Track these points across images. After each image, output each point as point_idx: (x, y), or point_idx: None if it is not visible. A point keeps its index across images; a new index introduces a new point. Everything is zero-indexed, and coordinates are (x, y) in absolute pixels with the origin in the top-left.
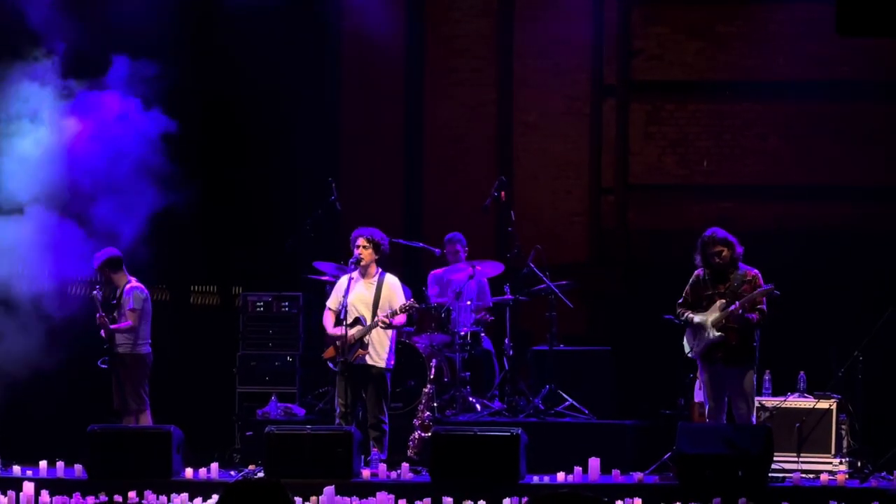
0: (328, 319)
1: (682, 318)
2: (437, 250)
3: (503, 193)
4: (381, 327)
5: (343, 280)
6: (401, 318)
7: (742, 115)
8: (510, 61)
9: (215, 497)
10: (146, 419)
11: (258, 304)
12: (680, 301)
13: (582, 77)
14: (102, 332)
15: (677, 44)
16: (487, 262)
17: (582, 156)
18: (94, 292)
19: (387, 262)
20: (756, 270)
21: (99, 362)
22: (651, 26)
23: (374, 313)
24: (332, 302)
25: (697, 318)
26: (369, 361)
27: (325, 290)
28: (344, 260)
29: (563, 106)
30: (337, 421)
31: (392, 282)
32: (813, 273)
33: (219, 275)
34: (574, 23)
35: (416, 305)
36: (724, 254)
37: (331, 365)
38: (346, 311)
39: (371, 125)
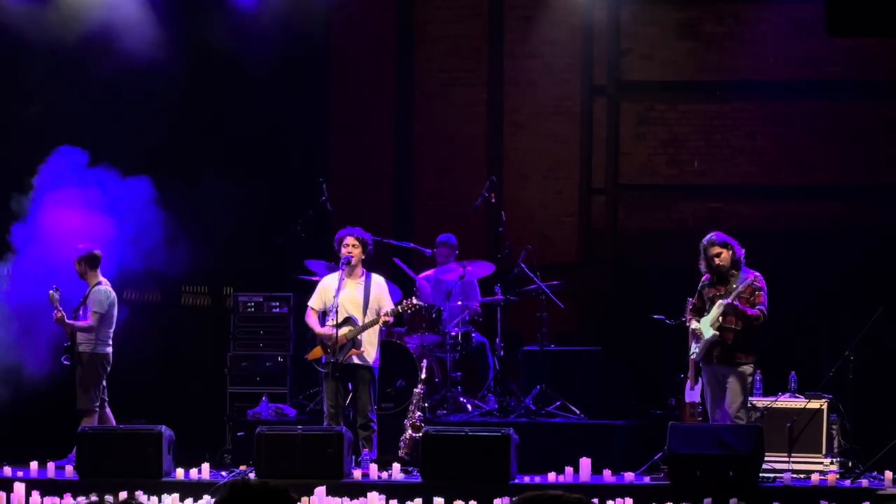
0: (313, 320)
1: (686, 324)
2: (427, 250)
3: (493, 194)
4: (383, 326)
5: (331, 280)
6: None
7: (732, 115)
8: (501, 61)
9: (206, 498)
10: (107, 417)
11: (249, 304)
12: (689, 307)
13: (572, 77)
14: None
15: (667, 44)
16: (478, 263)
17: (572, 156)
18: (52, 291)
19: (374, 263)
20: (756, 273)
21: (63, 359)
22: (641, 26)
23: (365, 313)
24: (316, 302)
25: (696, 324)
26: (360, 361)
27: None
28: (335, 260)
29: (554, 106)
30: (325, 422)
31: (380, 281)
32: (803, 272)
33: (210, 275)
34: (564, 23)
35: (420, 304)
36: (723, 255)
37: (316, 366)
38: (336, 312)
39: (361, 125)
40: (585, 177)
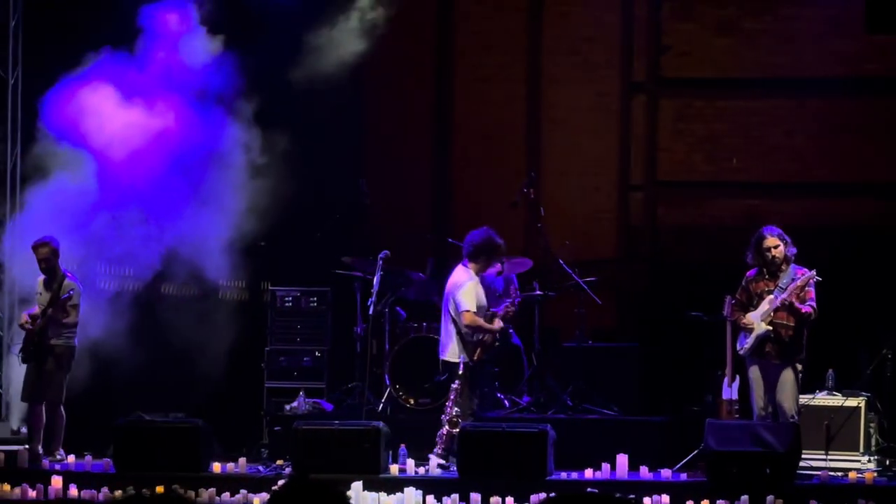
0: (479, 319)
1: (733, 321)
2: None
3: (532, 190)
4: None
5: (477, 282)
6: None
7: (770, 111)
8: (539, 57)
9: (243, 492)
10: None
11: (286, 298)
12: (733, 303)
13: (611, 73)
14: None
15: (706, 40)
16: (516, 259)
17: (611, 152)
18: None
19: (412, 259)
20: (807, 270)
21: (18, 353)
22: (680, 23)
23: None
24: (474, 304)
25: (746, 319)
26: None
27: (353, 285)
28: (373, 255)
29: (592, 102)
30: (468, 420)
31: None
32: (841, 270)
33: (247, 269)
34: (603, 19)
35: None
36: (779, 249)
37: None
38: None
39: (399, 120)
40: (623, 173)
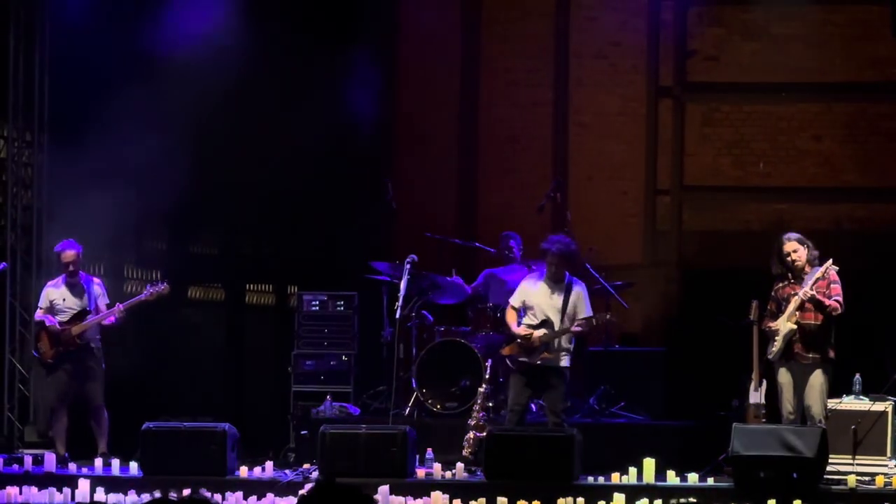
0: (512, 317)
1: (765, 330)
2: (492, 250)
3: (558, 194)
4: (573, 334)
5: (532, 281)
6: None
7: (798, 116)
8: (566, 62)
9: (270, 496)
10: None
11: (313, 303)
12: (765, 313)
13: (638, 78)
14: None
15: (733, 45)
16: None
17: (637, 157)
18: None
19: (436, 263)
20: (827, 262)
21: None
22: (707, 27)
23: (562, 319)
24: (517, 300)
25: (774, 323)
26: (552, 363)
27: (380, 289)
28: (400, 259)
29: (619, 107)
30: (506, 419)
31: (580, 290)
32: (869, 274)
33: (274, 273)
34: (630, 24)
35: (612, 320)
36: (799, 252)
37: (510, 362)
38: (534, 313)
39: (426, 124)
40: (650, 178)
